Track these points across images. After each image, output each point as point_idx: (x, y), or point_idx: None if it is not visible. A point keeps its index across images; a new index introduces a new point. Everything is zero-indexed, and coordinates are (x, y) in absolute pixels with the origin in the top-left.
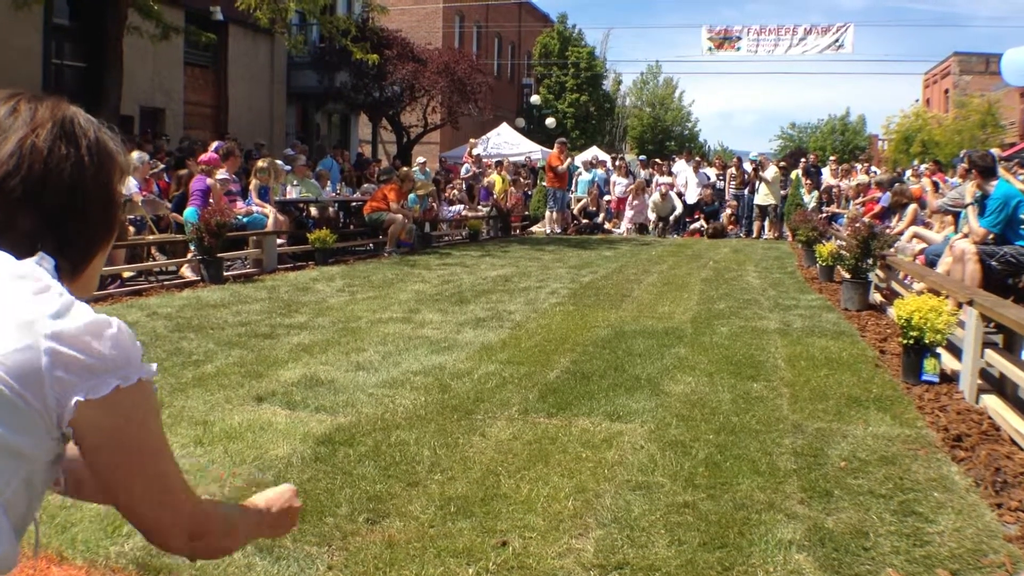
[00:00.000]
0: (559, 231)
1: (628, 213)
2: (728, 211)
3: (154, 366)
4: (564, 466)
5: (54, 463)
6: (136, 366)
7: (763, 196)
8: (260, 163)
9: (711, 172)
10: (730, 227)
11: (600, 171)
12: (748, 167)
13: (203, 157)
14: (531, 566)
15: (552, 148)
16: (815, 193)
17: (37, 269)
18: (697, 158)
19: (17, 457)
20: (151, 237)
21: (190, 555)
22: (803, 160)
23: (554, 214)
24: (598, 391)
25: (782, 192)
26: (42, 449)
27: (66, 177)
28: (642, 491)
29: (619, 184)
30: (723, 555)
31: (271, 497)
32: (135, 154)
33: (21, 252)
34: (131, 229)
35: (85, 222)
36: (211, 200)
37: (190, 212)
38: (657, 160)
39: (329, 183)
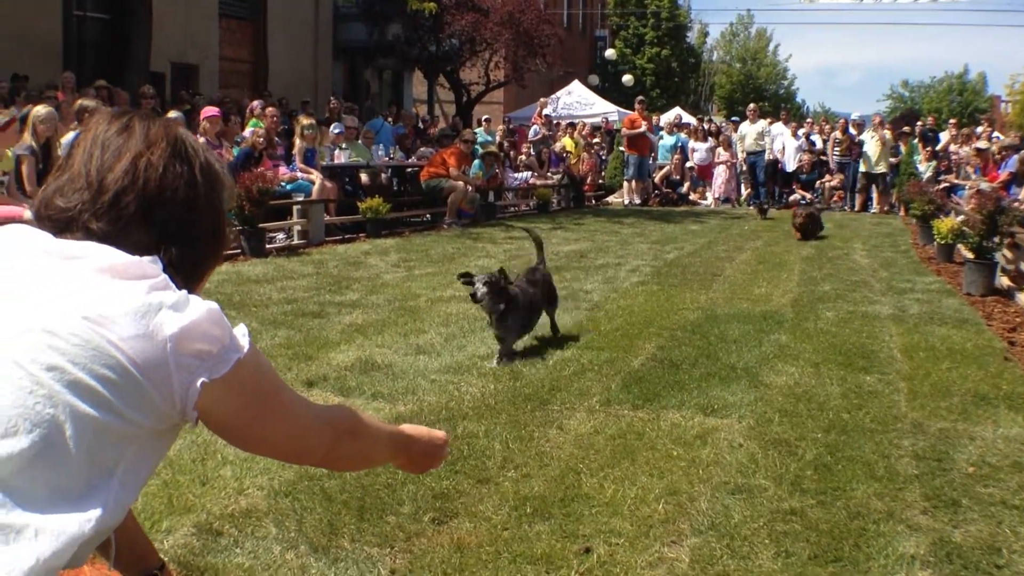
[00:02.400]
0: (639, 202)
1: (716, 182)
2: (833, 181)
3: (243, 326)
4: (653, 464)
5: (168, 434)
6: (240, 335)
7: (871, 163)
8: (304, 121)
9: (817, 138)
10: (835, 199)
11: (684, 135)
12: (855, 131)
13: (204, 112)
14: None
15: (630, 108)
16: (932, 162)
17: (151, 265)
18: (808, 120)
19: (132, 436)
20: None
21: (328, 464)
22: (919, 123)
23: (633, 183)
24: (689, 381)
25: (893, 159)
26: (158, 424)
27: (180, 196)
28: (742, 495)
29: (698, 151)
30: (836, 570)
31: (421, 431)
32: (172, 113)
33: None
34: None
35: (196, 240)
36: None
37: None
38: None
39: (381, 147)
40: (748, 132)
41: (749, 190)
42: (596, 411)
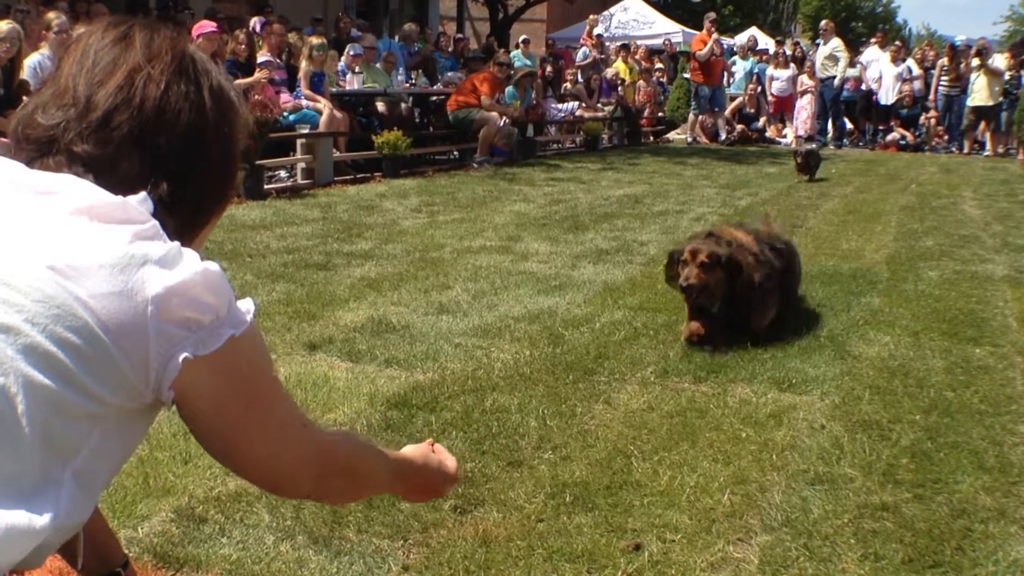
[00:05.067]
0: (706, 139)
1: (799, 116)
2: (932, 118)
3: (251, 301)
4: (717, 448)
5: (139, 417)
6: (242, 309)
7: (981, 96)
8: (314, 40)
9: (912, 64)
10: (936, 139)
11: (762, 61)
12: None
13: (199, 27)
14: None
15: (698, 28)
16: None
17: (138, 207)
18: (897, 43)
19: (97, 416)
20: None
21: (315, 498)
22: None
23: (700, 117)
24: (762, 350)
25: (1016, 92)
26: (127, 402)
27: (183, 120)
28: (824, 486)
29: (777, 79)
30: None
31: (431, 460)
32: None
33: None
34: None
35: (200, 175)
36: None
37: None
38: None
39: (401, 71)
40: (819, 54)
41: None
42: (651, 384)
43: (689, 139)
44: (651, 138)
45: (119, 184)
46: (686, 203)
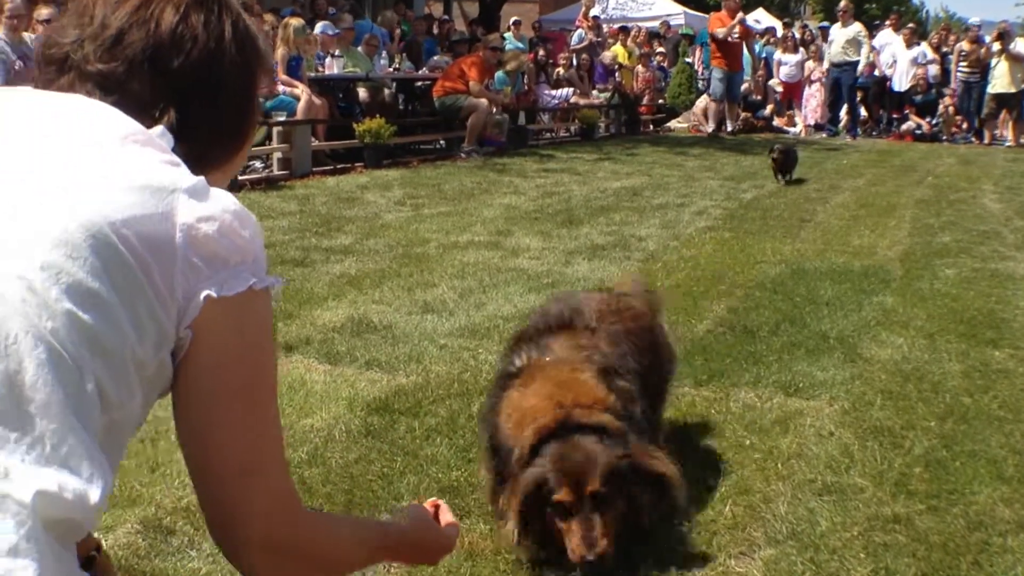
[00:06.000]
0: (729, 129)
1: (809, 104)
2: (950, 106)
3: (278, 278)
4: (719, 456)
5: (159, 376)
6: (266, 268)
7: (1002, 82)
8: (293, 22)
9: (927, 50)
10: (954, 128)
11: (770, 45)
12: (991, 42)
13: None
14: None
15: (699, 10)
16: None
17: (159, 138)
18: (911, 25)
19: (139, 365)
20: None
21: (262, 569)
22: None
23: (715, 104)
24: (768, 352)
25: None
26: (155, 349)
27: (201, 47)
28: (832, 496)
29: (785, 64)
30: None
31: (428, 538)
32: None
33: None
34: None
35: (213, 110)
36: None
37: None
38: None
39: (384, 55)
40: (836, 38)
41: (848, 117)
42: None
43: (711, 128)
44: (651, 127)
45: (130, 105)
46: (688, 196)
